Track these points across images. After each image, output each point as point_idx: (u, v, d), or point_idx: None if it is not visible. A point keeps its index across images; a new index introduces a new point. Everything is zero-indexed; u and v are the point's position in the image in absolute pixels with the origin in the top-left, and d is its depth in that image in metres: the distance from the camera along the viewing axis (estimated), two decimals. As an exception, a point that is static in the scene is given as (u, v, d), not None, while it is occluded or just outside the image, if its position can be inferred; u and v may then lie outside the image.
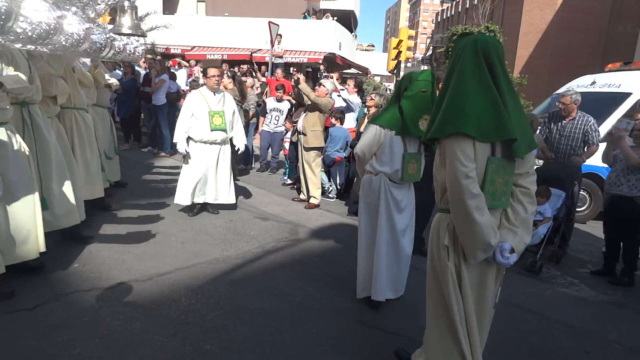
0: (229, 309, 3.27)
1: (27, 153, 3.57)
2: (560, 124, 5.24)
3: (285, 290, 3.66)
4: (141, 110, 9.15)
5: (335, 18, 20.24)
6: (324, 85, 5.78)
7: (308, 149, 5.99)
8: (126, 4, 5.35)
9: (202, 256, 4.18)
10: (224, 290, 3.54)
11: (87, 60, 5.56)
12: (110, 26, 5.45)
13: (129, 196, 5.97)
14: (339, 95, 6.73)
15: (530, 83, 19.33)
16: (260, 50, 18.80)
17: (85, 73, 5.27)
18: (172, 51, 19.55)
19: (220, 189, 5.33)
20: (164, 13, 20.23)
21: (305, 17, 20.42)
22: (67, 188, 4.05)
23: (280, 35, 14.01)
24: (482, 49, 1.91)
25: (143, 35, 5.78)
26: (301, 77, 5.74)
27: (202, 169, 5.18)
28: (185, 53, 19.48)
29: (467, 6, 32.66)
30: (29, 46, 3.38)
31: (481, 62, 1.90)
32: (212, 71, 5.23)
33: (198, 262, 4.04)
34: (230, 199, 5.41)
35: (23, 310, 3.03)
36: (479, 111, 1.84)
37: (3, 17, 2.41)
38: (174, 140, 5.27)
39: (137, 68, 10.00)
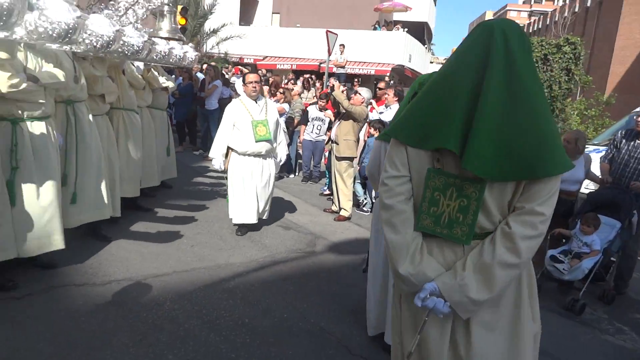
0: (208, 319, 3.12)
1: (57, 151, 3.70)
2: (632, 143, 4.53)
3: (275, 304, 3.44)
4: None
5: (406, 29, 19.79)
6: (359, 93, 5.53)
7: (340, 159, 5.76)
8: (165, 8, 5.53)
9: (205, 261, 4.10)
10: (212, 299, 3.41)
11: (141, 65, 5.78)
12: (150, 30, 5.64)
13: (173, 196, 6.11)
14: (381, 114, 6.41)
15: (624, 103, 17.49)
16: (330, 61, 18.92)
17: (136, 75, 5.44)
18: (245, 60, 20.26)
19: (262, 206, 4.96)
20: (240, 24, 21.05)
21: (375, 29, 20.21)
22: (103, 185, 4.20)
23: (343, 45, 13.93)
24: (483, 35, 1.46)
25: (181, 39, 5.93)
26: (336, 83, 5.54)
27: (251, 185, 4.78)
28: (257, 62, 20.10)
29: (556, 18, 30.58)
30: (55, 45, 3.54)
31: (468, 53, 1.48)
32: (250, 77, 4.95)
33: (199, 267, 3.96)
34: (265, 214, 5.07)
35: (12, 298, 3.11)
36: (424, 111, 1.52)
37: (5, 12, 2.49)
38: (210, 155, 4.94)
39: (198, 74, 10.40)
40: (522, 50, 1.43)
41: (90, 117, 4.29)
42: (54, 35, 3.07)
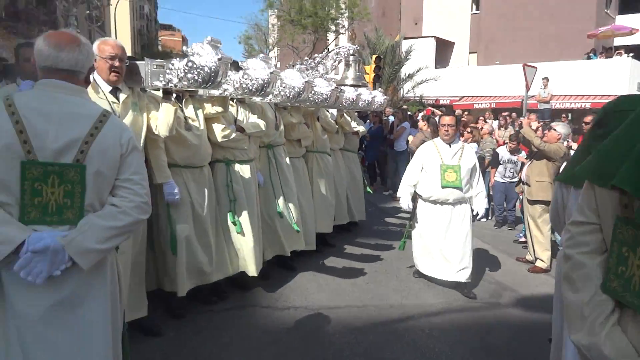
0: (371, 359, 3.10)
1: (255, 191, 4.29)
2: None
3: (444, 355, 3.21)
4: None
5: (632, 55, 16.96)
6: (554, 129, 4.93)
7: (532, 202, 5.16)
8: (351, 59, 5.98)
9: (377, 299, 4.11)
10: (379, 339, 3.38)
11: (334, 111, 6.34)
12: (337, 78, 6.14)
13: (362, 234, 6.33)
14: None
15: None
16: (533, 96, 17.49)
17: (329, 121, 5.96)
18: (441, 102, 20.24)
19: (450, 260, 4.33)
20: (435, 67, 21.24)
21: (589, 57, 17.90)
22: (300, 219, 4.72)
23: (547, 79, 12.71)
24: None
25: (364, 85, 6.28)
26: (524, 120, 5.06)
27: (431, 234, 4.45)
28: (453, 103, 19.84)
29: None
30: (257, 98, 4.17)
31: None
32: (445, 119, 4.59)
33: (370, 304, 3.99)
34: (461, 275, 4.29)
35: (211, 311, 3.66)
36: (615, 142, 1.25)
37: (212, 74, 3.10)
38: (397, 195, 4.83)
39: (390, 117, 10.82)
40: None
41: (287, 159, 4.86)
42: (253, 89, 3.63)
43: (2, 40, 4.56)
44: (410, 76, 17.97)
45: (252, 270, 3.96)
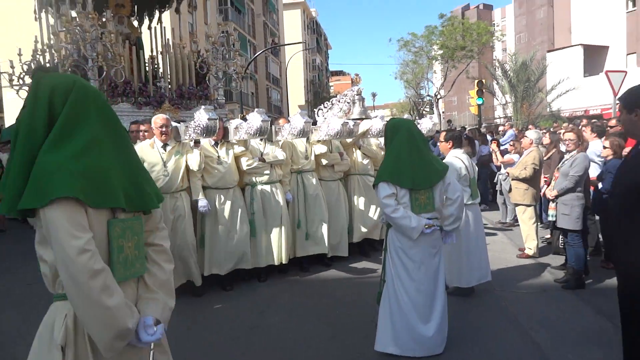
0: None
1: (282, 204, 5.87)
2: None
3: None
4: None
5: None
6: (526, 136, 5.34)
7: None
8: (356, 98, 7.29)
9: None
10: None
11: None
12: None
13: None
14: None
15: None
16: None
17: (370, 149, 6.69)
18: (591, 112, 18.66)
19: None
20: (584, 75, 19.69)
21: None
22: (325, 229, 6.01)
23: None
24: None
25: (367, 117, 7.33)
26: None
27: None
28: (604, 112, 18.11)
29: None
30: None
31: None
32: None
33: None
34: None
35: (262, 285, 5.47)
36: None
37: (205, 128, 5.02)
38: None
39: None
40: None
41: (314, 181, 6.26)
42: (251, 132, 5.37)
43: (172, 113, 7.15)
44: (539, 90, 17.27)
45: (275, 260, 5.58)
